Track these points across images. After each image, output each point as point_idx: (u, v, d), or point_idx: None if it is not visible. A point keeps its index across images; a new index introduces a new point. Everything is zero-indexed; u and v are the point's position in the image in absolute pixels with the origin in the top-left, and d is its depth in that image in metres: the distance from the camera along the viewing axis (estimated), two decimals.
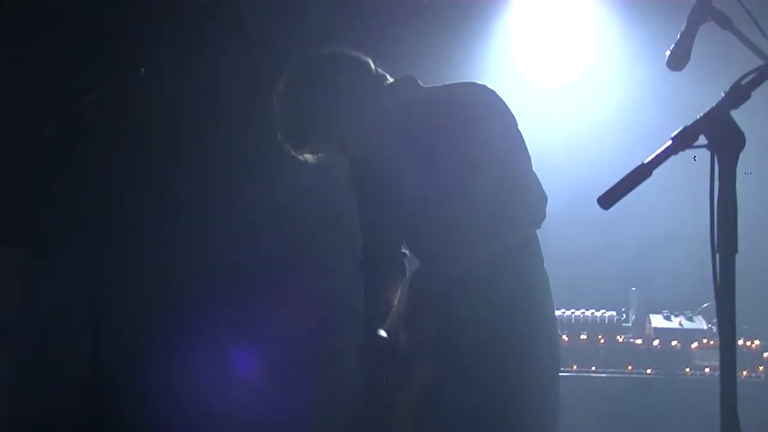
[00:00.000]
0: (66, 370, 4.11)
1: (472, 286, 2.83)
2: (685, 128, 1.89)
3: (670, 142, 1.89)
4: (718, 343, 1.92)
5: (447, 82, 3.06)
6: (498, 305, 2.83)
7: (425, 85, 3.06)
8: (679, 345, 4.46)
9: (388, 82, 3.06)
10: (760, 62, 2.89)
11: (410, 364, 2.90)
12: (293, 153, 3.10)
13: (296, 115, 3.03)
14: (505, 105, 2.97)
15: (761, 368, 4.36)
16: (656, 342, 4.48)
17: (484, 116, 2.92)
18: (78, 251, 3.02)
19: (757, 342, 4.42)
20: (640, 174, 1.88)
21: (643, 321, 4.63)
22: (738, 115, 1.92)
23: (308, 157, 3.12)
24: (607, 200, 1.88)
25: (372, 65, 3.06)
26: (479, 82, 3.01)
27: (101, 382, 2.96)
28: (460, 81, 3.05)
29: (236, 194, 5.36)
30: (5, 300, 4.99)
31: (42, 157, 4.86)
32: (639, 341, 4.52)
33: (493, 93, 2.97)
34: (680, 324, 4.55)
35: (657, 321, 4.57)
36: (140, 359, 5.06)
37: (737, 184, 1.89)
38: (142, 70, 3.13)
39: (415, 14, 5.11)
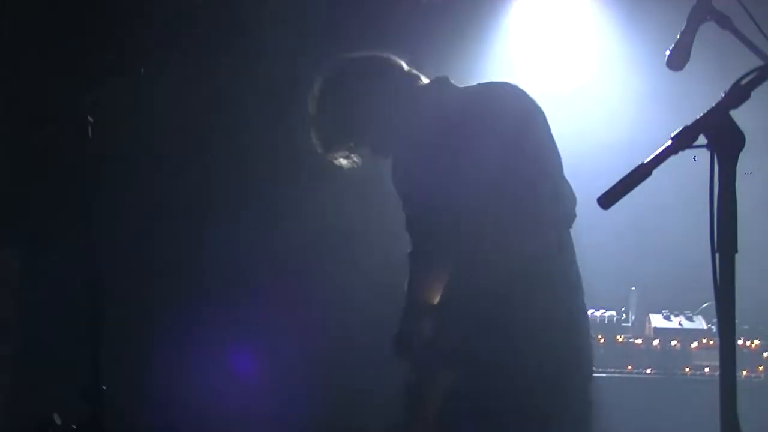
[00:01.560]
0: (66, 370, 4.11)
1: (503, 291, 2.82)
2: (685, 128, 1.89)
3: (670, 142, 1.89)
4: (718, 343, 1.92)
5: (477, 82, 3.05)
6: (530, 311, 2.82)
7: (459, 85, 3.05)
8: (679, 345, 4.46)
9: (421, 82, 3.05)
10: (760, 62, 2.89)
11: (436, 366, 2.91)
12: (326, 157, 3.07)
13: (332, 118, 3.01)
14: (538, 105, 2.95)
15: (761, 368, 4.37)
16: (656, 342, 4.48)
17: (518, 118, 2.90)
18: (78, 251, 3.02)
19: (757, 342, 4.42)
20: (640, 174, 1.88)
21: (643, 321, 4.63)
22: (738, 115, 1.92)
23: (342, 161, 3.10)
24: (607, 200, 1.88)
25: (405, 66, 3.05)
26: (511, 82, 2.99)
27: (101, 382, 2.95)
28: (490, 81, 3.04)
29: (236, 196, 5.37)
30: (5, 300, 4.99)
31: (42, 157, 4.87)
32: (639, 341, 4.52)
33: (525, 94, 2.96)
34: (680, 324, 4.55)
35: (657, 321, 4.57)
36: (140, 359, 5.06)
37: (737, 184, 1.89)
38: (142, 70, 3.12)
39: (415, 15, 5.11)
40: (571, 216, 2.95)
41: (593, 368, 3.01)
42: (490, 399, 2.82)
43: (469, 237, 2.87)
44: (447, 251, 2.95)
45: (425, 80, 3.05)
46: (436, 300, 2.97)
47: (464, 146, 2.85)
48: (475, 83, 3.05)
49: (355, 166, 3.11)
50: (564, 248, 2.95)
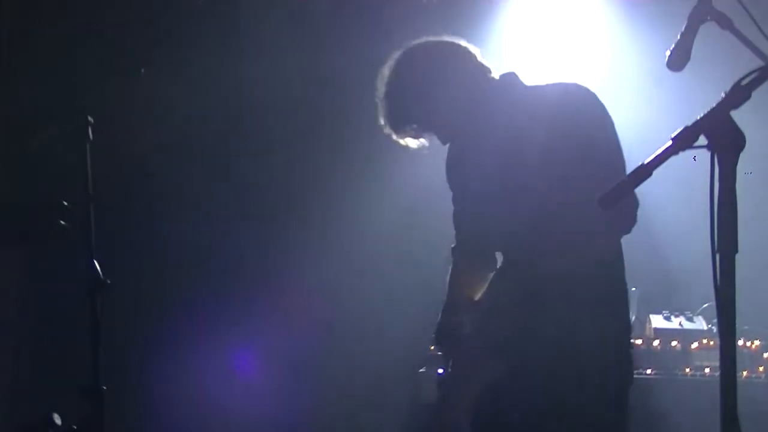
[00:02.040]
0: (66, 370, 4.11)
1: (552, 293, 2.79)
2: (685, 128, 1.89)
3: (670, 143, 1.89)
4: (718, 343, 1.91)
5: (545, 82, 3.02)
6: (576, 313, 2.81)
7: (527, 84, 3.02)
8: (679, 345, 4.45)
9: (492, 75, 3.00)
10: (760, 62, 2.89)
11: (475, 361, 2.91)
12: (393, 137, 3.01)
13: (399, 100, 2.96)
14: (605, 108, 2.90)
15: (761, 368, 4.36)
16: (656, 342, 4.48)
17: (588, 120, 2.84)
18: (78, 251, 3.02)
19: (757, 342, 4.41)
20: (641, 174, 1.87)
21: (643, 321, 4.62)
22: (738, 115, 1.91)
23: (409, 141, 3.04)
24: (608, 200, 1.88)
25: (478, 57, 3.00)
26: (580, 83, 2.93)
27: (101, 382, 2.95)
28: (559, 81, 2.98)
29: (238, 196, 5.37)
30: (5, 300, 4.99)
31: (42, 157, 4.86)
32: (639, 341, 4.51)
33: (594, 96, 2.90)
34: (680, 324, 4.54)
35: (657, 321, 4.57)
36: (140, 359, 5.06)
37: (737, 184, 1.89)
38: (142, 70, 3.12)
39: (415, 14, 5.11)
40: (633, 220, 2.89)
41: (630, 381, 3.00)
42: (532, 395, 2.82)
43: (524, 237, 2.85)
44: (494, 249, 2.95)
45: (495, 74, 3.01)
46: (477, 296, 2.98)
47: (535, 144, 2.80)
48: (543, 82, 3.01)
49: (423, 146, 3.05)
50: (621, 253, 2.96)
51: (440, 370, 3.10)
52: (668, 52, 3.16)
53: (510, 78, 3.00)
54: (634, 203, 2.85)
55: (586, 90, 2.90)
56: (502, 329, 2.85)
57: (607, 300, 2.89)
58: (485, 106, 2.94)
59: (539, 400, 2.81)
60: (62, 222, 3.46)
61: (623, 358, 2.94)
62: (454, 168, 3.08)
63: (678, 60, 3.14)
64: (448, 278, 3.06)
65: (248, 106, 5.31)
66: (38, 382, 5.00)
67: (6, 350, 4.97)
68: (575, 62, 5.12)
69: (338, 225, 5.22)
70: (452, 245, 3.07)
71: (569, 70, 5.12)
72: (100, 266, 3.00)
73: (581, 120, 2.83)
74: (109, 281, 2.99)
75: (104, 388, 2.96)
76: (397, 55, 3.01)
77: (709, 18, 3.05)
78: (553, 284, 2.77)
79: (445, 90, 2.94)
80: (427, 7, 5.15)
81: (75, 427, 2.99)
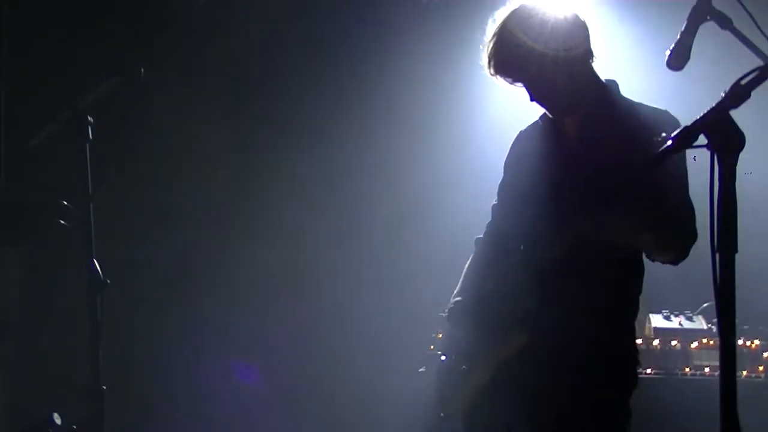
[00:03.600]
0: (66, 370, 4.11)
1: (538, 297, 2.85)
2: (685, 128, 1.89)
3: (670, 142, 1.89)
4: (718, 343, 1.92)
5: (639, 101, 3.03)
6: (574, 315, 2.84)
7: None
8: (679, 345, 4.45)
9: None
10: (760, 62, 2.88)
11: (472, 361, 2.95)
12: (491, 73, 2.91)
13: (505, 50, 2.85)
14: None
15: (761, 368, 4.36)
16: (656, 342, 4.48)
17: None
18: (78, 251, 3.02)
19: (757, 342, 4.41)
20: (640, 173, 1.87)
21: (643, 321, 4.62)
22: (738, 115, 1.91)
23: (501, 81, 2.94)
24: (607, 200, 1.88)
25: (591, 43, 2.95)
26: (669, 111, 2.93)
27: (101, 382, 2.95)
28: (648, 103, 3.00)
29: (241, 201, 5.37)
30: (5, 300, 4.99)
31: (42, 157, 4.86)
32: (639, 341, 4.51)
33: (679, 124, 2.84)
34: (680, 324, 4.54)
35: (657, 321, 4.57)
36: (140, 359, 5.06)
37: (737, 183, 1.89)
38: (142, 70, 3.12)
39: (416, 14, 5.11)
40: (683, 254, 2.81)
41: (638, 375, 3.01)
42: (506, 400, 2.86)
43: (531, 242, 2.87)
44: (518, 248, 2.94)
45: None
46: (488, 286, 2.98)
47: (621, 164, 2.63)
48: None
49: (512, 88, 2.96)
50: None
51: (443, 357, 3.11)
52: (668, 52, 3.16)
53: (615, 85, 3.02)
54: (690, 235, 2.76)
55: (676, 120, 2.88)
56: (490, 331, 2.88)
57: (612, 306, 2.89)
58: (603, 101, 2.92)
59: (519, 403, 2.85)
60: (62, 222, 3.45)
61: (624, 360, 2.94)
62: (523, 157, 3.05)
63: (678, 59, 3.14)
64: (466, 266, 3.10)
65: (251, 110, 5.31)
66: (38, 382, 5.00)
67: (6, 350, 4.97)
68: None
69: (341, 235, 5.22)
70: (477, 236, 3.10)
71: None
72: (99, 267, 3.00)
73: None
74: (109, 281, 2.99)
75: (104, 388, 2.96)
76: (514, 5, 2.90)
77: (708, 18, 3.05)
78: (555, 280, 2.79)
79: (580, 56, 2.88)
80: (427, 7, 5.15)
81: (75, 427, 2.99)
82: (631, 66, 5.07)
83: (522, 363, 2.86)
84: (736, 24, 3.01)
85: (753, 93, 1.92)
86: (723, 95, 1.91)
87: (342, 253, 5.24)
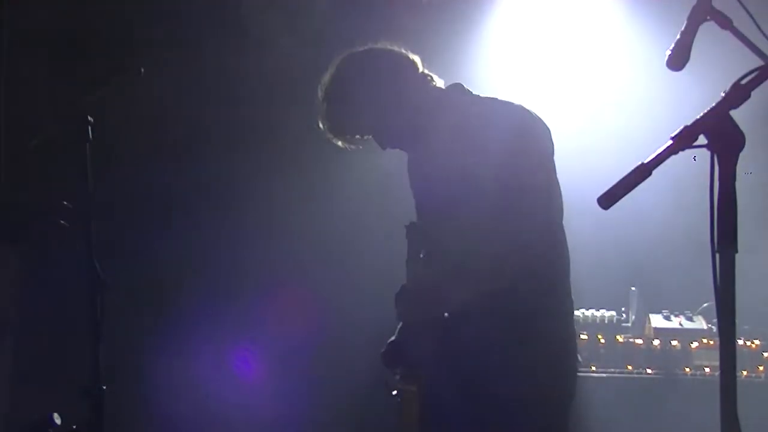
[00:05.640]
0: (66, 370, 4.11)
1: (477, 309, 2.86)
2: (685, 128, 1.89)
3: (670, 142, 1.89)
4: (718, 343, 1.92)
5: (489, 95, 3.04)
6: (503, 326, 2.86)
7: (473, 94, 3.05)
8: (679, 345, 4.46)
9: (434, 83, 3.04)
10: (760, 62, 2.88)
11: (419, 371, 2.94)
12: (333, 139, 3.06)
13: (339, 109, 2.99)
14: (548, 138, 2.94)
15: (761, 368, 4.37)
16: (656, 342, 4.49)
17: (521, 130, 2.88)
18: (77, 252, 3.02)
19: (757, 342, 4.42)
20: (640, 174, 1.87)
21: (643, 321, 4.63)
22: (738, 115, 1.91)
23: (349, 145, 3.09)
24: (607, 200, 1.88)
25: (419, 64, 3.04)
26: (525, 106, 2.96)
27: (101, 382, 2.95)
28: (501, 98, 3.01)
29: (238, 196, 5.37)
30: (5, 300, 4.98)
31: (42, 157, 4.86)
32: (639, 341, 4.52)
33: (541, 123, 2.95)
34: (680, 324, 4.55)
35: (657, 321, 4.58)
36: (140, 359, 5.06)
37: (737, 183, 1.89)
38: (142, 70, 3.12)
39: (415, 13, 5.11)
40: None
41: (580, 361, 3.03)
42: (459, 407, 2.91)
43: (455, 248, 2.90)
44: (446, 254, 2.96)
45: (438, 82, 3.05)
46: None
47: (475, 152, 2.83)
48: (481, 94, 3.04)
49: (352, 149, 3.11)
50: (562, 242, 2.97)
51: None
52: (668, 52, 3.16)
53: (458, 90, 3.03)
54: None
55: (531, 115, 2.93)
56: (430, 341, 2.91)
57: (552, 287, 2.91)
58: (431, 115, 2.96)
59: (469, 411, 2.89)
60: (62, 222, 3.45)
61: (556, 374, 2.91)
62: (411, 177, 3.15)
63: (678, 59, 3.13)
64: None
65: (250, 106, 5.31)
66: (38, 382, 4.99)
67: (6, 350, 4.96)
68: (574, 62, 5.13)
69: (341, 229, 5.22)
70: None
71: (566, 69, 5.13)
72: (99, 266, 2.99)
73: (513, 129, 2.85)
74: (109, 281, 2.99)
75: (104, 388, 2.95)
76: (338, 61, 3.03)
77: (708, 17, 3.05)
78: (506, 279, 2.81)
79: (382, 93, 2.96)
80: (426, 8, 5.15)
81: (75, 427, 2.99)
82: (631, 66, 5.08)
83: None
84: (736, 24, 3.01)
85: (753, 93, 1.92)
86: (723, 95, 1.91)
87: (342, 252, 5.24)
